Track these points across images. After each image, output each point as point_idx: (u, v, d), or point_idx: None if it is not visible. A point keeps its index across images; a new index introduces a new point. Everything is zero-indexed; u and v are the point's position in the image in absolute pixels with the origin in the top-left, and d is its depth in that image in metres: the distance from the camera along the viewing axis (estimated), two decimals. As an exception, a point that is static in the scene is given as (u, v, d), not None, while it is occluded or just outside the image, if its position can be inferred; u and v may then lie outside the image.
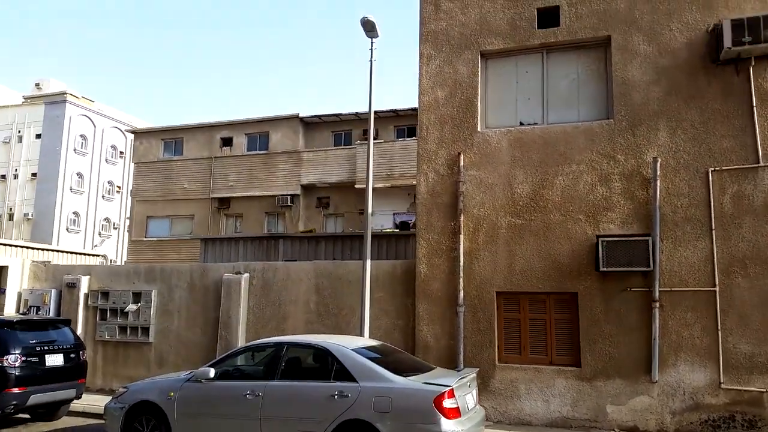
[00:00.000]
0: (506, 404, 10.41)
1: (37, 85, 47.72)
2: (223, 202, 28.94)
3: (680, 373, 9.70)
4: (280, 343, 8.50)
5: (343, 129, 28.81)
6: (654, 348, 9.75)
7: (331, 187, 27.34)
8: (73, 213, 44.14)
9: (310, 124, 28.62)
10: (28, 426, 10.63)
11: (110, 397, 9.29)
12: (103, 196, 46.23)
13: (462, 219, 10.92)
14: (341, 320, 11.97)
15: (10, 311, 13.74)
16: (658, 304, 9.80)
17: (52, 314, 13.44)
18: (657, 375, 9.72)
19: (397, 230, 17.68)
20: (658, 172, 10.01)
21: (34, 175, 43.91)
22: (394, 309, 11.66)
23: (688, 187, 9.99)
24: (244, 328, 12.49)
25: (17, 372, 9.59)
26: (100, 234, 45.85)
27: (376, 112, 28.19)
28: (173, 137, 30.45)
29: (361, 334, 10.92)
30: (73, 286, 13.53)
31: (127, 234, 46.57)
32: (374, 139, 27.82)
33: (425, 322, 11.10)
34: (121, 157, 47.57)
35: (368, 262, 11.28)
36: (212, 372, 8.33)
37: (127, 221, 36.81)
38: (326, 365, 8.07)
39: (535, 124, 11.00)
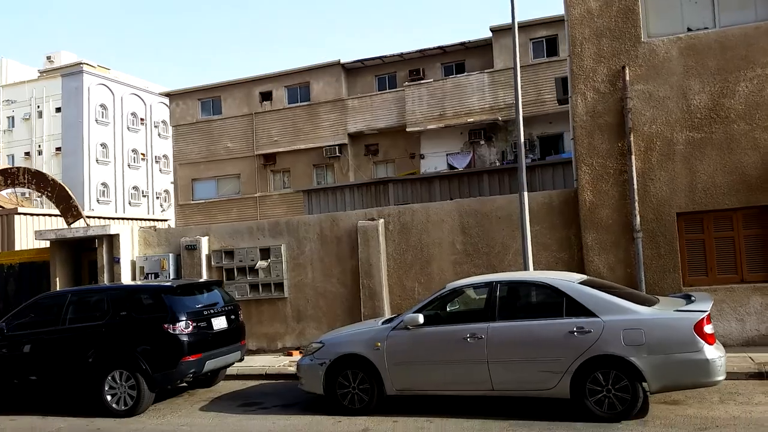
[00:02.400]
0: (696, 329, 9.87)
1: (48, 58, 46.32)
2: (269, 158, 28.17)
3: None
4: (491, 282, 7.92)
5: (387, 72, 27.76)
6: None
7: (380, 134, 26.51)
8: (102, 184, 43.32)
9: (352, 71, 27.58)
10: (192, 393, 10.15)
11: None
12: (129, 165, 45.32)
13: (632, 138, 10.16)
14: (493, 258, 11.36)
15: (126, 280, 13.13)
16: None
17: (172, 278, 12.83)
18: None
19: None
20: None
21: (58, 149, 42.89)
22: (554, 242, 11.03)
23: None
24: (386, 274, 11.90)
25: (190, 339, 9.01)
26: (130, 203, 45.15)
27: (420, 51, 27.05)
28: (210, 96, 29.54)
29: (526, 269, 10.33)
30: (192, 248, 12.87)
31: (157, 200, 46.15)
32: (421, 79, 26.92)
33: (595, 252, 10.49)
34: (142, 123, 46.46)
35: (525, 194, 10.56)
36: (421, 317, 7.79)
37: (171, 186, 35.98)
38: (553, 301, 7.51)
39: (706, 28, 10.12)
